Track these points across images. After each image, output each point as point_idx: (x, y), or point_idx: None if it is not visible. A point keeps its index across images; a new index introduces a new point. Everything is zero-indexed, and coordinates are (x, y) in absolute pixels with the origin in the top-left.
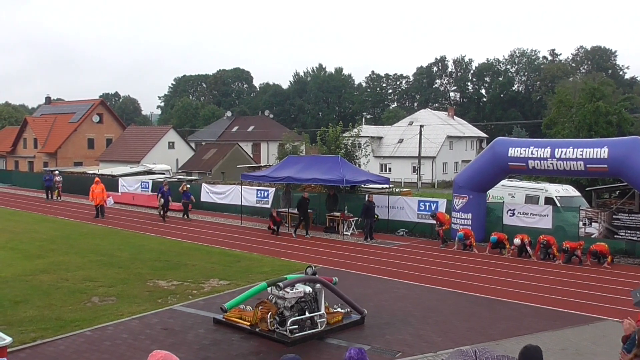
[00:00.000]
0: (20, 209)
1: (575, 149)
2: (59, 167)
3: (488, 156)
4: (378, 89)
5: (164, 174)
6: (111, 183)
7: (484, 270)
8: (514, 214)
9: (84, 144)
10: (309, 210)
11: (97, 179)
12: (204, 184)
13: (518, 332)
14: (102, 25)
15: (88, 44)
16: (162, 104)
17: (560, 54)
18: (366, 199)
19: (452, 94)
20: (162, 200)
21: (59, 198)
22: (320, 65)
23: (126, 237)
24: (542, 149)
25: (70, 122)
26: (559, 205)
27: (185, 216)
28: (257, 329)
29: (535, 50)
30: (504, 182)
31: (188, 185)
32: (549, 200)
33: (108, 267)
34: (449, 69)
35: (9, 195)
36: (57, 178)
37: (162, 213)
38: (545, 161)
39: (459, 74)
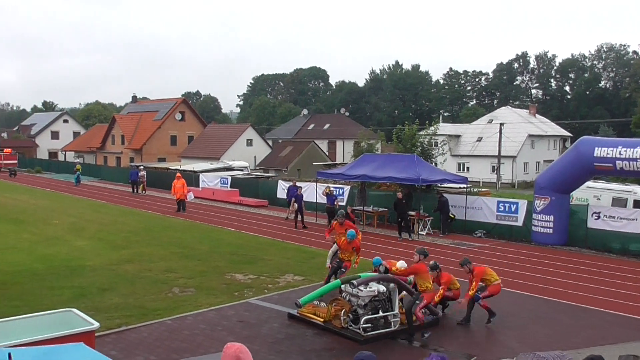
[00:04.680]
0: (108, 202)
1: None
2: (143, 162)
3: (572, 156)
4: (456, 86)
5: (242, 170)
6: (193, 178)
7: (566, 275)
8: (599, 217)
9: (167, 140)
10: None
11: (178, 174)
12: (280, 181)
13: (602, 341)
14: (184, 26)
15: (171, 44)
16: (241, 103)
17: None
18: (437, 195)
19: (533, 91)
20: (296, 205)
21: (143, 192)
22: (397, 62)
23: (206, 230)
24: (632, 149)
25: (154, 119)
26: None
27: None
28: (330, 326)
29: (624, 45)
30: (589, 183)
31: (332, 188)
32: (637, 204)
33: (188, 259)
34: (531, 65)
35: (99, 188)
36: (141, 173)
37: (296, 219)
38: (634, 162)
39: (541, 70)
